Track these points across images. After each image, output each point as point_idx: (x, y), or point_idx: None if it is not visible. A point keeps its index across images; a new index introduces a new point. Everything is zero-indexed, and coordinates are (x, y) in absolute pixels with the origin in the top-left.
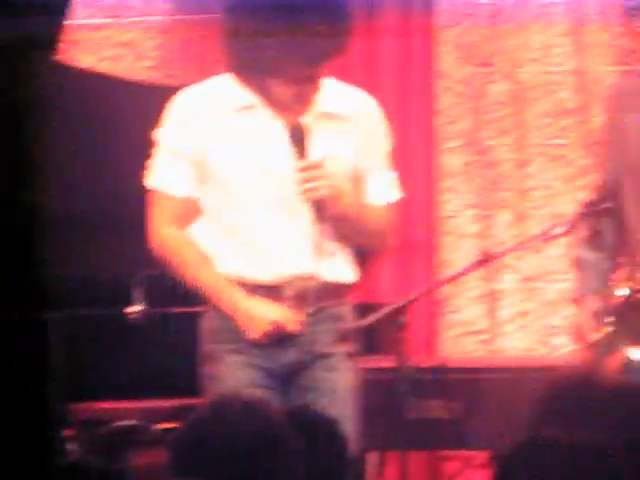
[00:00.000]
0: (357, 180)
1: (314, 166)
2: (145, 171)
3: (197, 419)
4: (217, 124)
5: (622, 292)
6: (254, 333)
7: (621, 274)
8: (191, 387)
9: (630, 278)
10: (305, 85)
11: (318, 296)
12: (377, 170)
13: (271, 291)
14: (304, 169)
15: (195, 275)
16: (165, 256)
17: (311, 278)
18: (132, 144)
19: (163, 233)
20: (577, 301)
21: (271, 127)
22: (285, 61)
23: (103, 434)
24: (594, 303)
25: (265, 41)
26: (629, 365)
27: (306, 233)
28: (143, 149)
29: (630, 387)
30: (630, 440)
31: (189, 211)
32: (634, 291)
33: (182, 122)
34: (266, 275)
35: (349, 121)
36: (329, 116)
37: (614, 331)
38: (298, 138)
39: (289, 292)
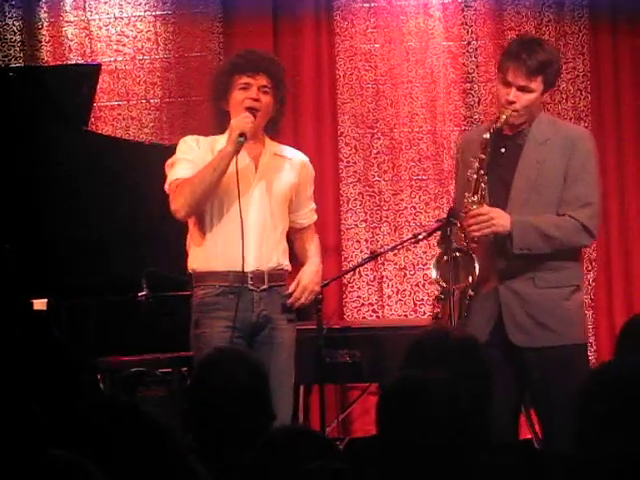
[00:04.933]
0: (291, 201)
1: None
2: (167, 176)
3: (205, 362)
4: (211, 156)
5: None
6: (239, 130)
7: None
8: (180, 345)
9: (455, 240)
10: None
11: (270, 278)
12: (307, 200)
13: (240, 274)
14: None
15: (206, 172)
16: (188, 188)
17: (265, 266)
18: (141, 187)
19: (179, 187)
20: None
21: (242, 157)
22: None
23: (123, 376)
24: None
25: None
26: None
27: (259, 234)
28: (149, 189)
29: (467, 338)
30: (465, 375)
31: None
32: (453, 249)
33: (189, 147)
34: (236, 264)
35: (291, 162)
36: (279, 156)
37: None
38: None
39: (251, 275)
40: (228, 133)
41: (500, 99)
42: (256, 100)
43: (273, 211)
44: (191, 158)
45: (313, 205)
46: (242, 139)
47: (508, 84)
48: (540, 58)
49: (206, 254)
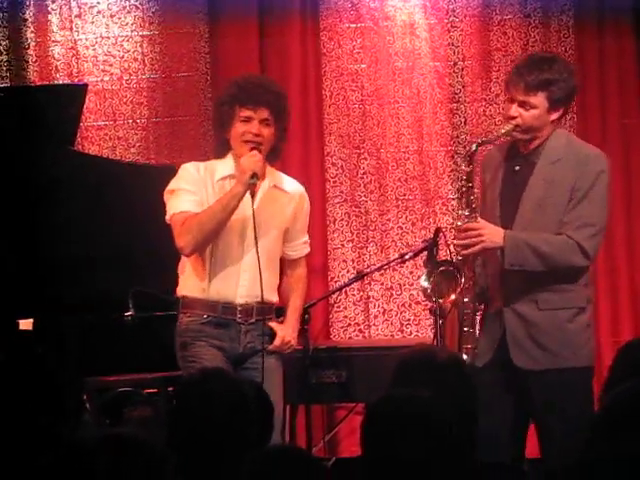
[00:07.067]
0: (286, 231)
1: None
2: (167, 204)
3: (189, 384)
4: (210, 185)
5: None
6: (251, 171)
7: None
8: (167, 365)
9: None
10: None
11: (258, 312)
12: (300, 233)
13: (230, 306)
14: None
15: (215, 210)
16: (197, 226)
17: (254, 300)
18: (132, 206)
19: (186, 223)
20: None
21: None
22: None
23: (110, 396)
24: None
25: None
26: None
27: (253, 268)
28: (141, 208)
29: (453, 357)
30: (451, 394)
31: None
32: (441, 263)
33: (192, 177)
34: (228, 296)
35: (290, 196)
36: (278, 189)
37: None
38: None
39: (240, 308)
40: (238, 174)
41: (504, 113)
42: (257, 135)
43: (269, 245)
44: (193, 189)
45: (306, 238)
46: (254, 180)
47: (512, 99)
48: (542, 75)
49: (199, 283)
